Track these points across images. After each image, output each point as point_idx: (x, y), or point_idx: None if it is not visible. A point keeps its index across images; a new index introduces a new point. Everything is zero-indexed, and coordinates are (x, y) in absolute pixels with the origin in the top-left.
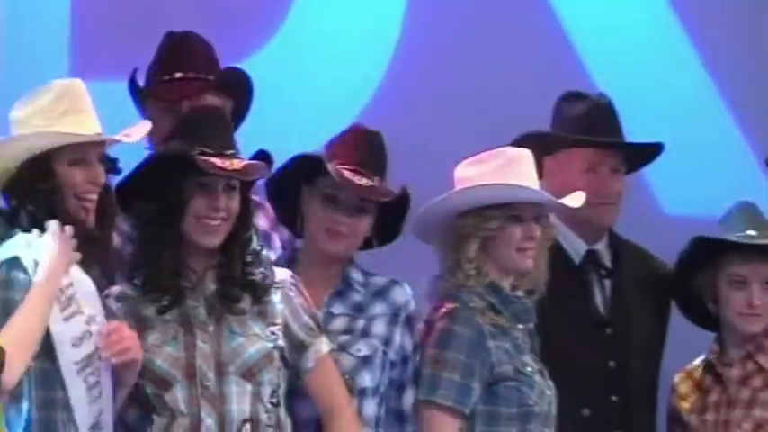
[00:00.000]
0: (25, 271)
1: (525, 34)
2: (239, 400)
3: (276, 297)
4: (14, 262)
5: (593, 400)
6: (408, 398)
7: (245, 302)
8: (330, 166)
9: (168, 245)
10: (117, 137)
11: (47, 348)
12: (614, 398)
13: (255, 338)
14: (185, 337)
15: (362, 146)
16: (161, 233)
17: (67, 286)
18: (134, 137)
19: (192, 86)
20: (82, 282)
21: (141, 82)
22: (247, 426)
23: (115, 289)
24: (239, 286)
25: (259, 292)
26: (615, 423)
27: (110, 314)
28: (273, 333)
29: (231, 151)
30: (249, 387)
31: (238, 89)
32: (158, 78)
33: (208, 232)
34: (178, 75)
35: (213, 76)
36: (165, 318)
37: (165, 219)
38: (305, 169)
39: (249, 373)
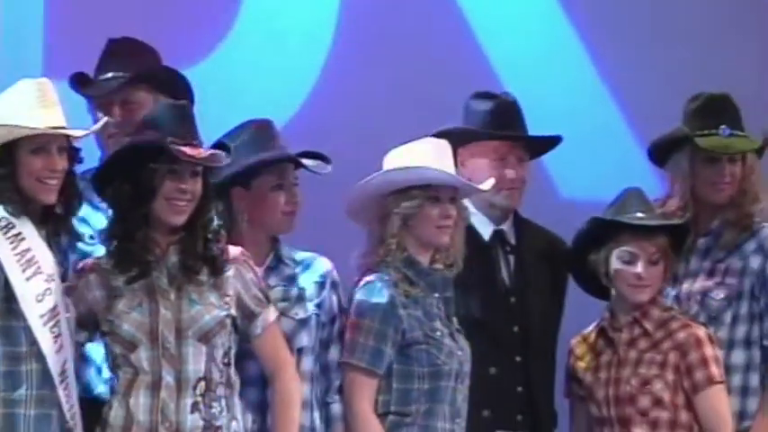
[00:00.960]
0: None
1: (440, 40)
2: (195, 361)
3: (230, 272)
4: None
5: (500, 360)
6: (333, 353)
7: (203, 275)
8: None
9: (139, 223)
10: (66, 131)
11: (9, 307)
12: (518, 358)
13: (211, 307)
14: (150, 304)
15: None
16: (133, 213)
17: (26, 250)
18: (86, 132)
19: (116, 83)
20: (40, 246)
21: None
22: (202, 383)
23: (88, 261)
24: (199, 260)
25: (217, 265)
26: (518, 380)
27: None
28: (227, 303)
29: (196, 141)
30: (204, 349)
31: (172, 86)
32: (95, 79)
33: (176, 212)
34: (110, 75)
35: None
36: (132, 287)
37: (137, 200)
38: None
39: (205, 338)
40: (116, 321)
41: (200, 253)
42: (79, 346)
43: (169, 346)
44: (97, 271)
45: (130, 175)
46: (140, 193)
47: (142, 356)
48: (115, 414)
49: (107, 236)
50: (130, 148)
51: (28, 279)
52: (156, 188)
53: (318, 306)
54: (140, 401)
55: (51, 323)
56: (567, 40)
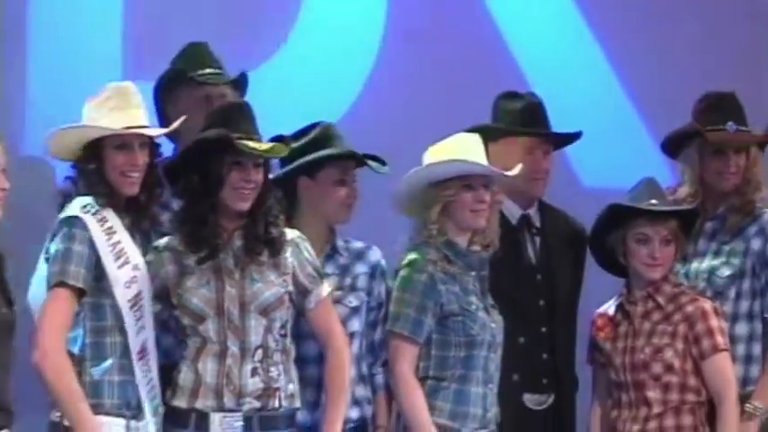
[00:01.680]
0: (84, 227)
1: (473, 43)
2: (256, 332)
3: (287, 252)
4: (73, 219)
5: (527, 330)
6: (379, 333)
7: (264, 256)
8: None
9: (208, 210)
10: (144, 131)
11: (100, 287)
12: (543, 329)
13: (271, 285)
14: (216, 282)
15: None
16: (203, 200)
17: (117, 243)
18: (161, 132)
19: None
20: (126, 237)
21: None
22: (260, 351)
23: (163, 241)
24: (261, 242)
25: (276, 247)
26: (543, 348)
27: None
28: (285, 281)
29: (257, 136)
30: (264, 322)
31: (243, 87)
32: (190, 76)
33: (241, 199)
34: (209, 71)
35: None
36: (201, 267)
37: (206, 189)
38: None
39: (265, 312)
40: (185, 296)
41: (262, 236)
42: (156, 316)
43: (233, 319)
44: (171, 250)
45: (200, 166)
46: (209, 183)
47: (209, 328)
48: (185, 377)
49: (180, 220)
50: (200, 142)
51: (119, 267)
52: (224, 178)
53: (368, 294)
54: (208, 366)
55: (136, 307)
56: (586, 43)
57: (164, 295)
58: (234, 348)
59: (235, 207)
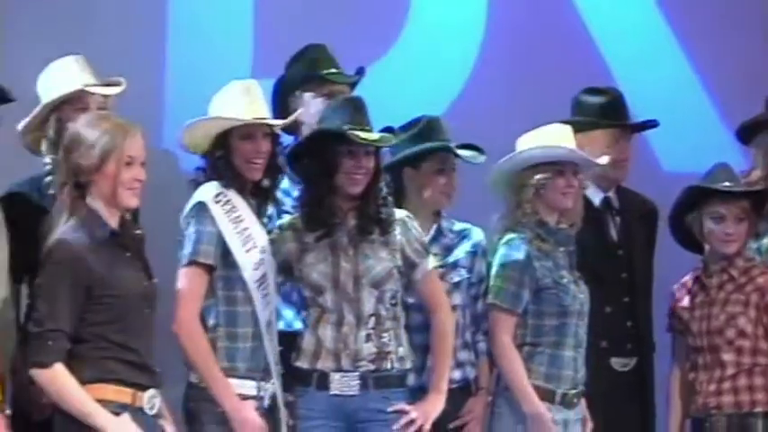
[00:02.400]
0: (212, 216)
1: (562, 39)
2: (368, 302)
3: (396, 230)
4: (203, 205)
5: (612, 300)
6: (481, 305)
7: (375, 234)
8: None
9: (325, 193)
10: (268, 121)
11: (227, 260)
12: (626, 299)
13: (381, 260)
14: (333, 258)
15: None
16: (320, 184)
17: (245, 229)
18: (283, 122)
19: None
20: (254, 222)
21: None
22: (372, 318)
23: (285, 220)
24: (372, 222)
25: (386, 226)
26: (627, 317)
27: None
28: (393, 256)
29: (369, 127)
30: (376, 293)
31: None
32: (317, 74)
33: (354, 184)
34: (334, 70)
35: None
36: (319, 244)
37: (323, 174)
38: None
39: (376, 284)
40: (306, 270)
41: (373, 216)
42: (279, 288)
43: (348, 291)
44: (292, 229)
45: (318, 154)
46: (326, 169)
47: (327, 299)
48: (307, 342)
49: (300, 202)
50: (319, 132)
51: (247, 252)
52: (338, 165)
53: (470, 271)
54: (327, 333)
55: (263, 285)
56: (664, 37)
57: (287, 270)
58: (349, 317)
59: (348, 191)
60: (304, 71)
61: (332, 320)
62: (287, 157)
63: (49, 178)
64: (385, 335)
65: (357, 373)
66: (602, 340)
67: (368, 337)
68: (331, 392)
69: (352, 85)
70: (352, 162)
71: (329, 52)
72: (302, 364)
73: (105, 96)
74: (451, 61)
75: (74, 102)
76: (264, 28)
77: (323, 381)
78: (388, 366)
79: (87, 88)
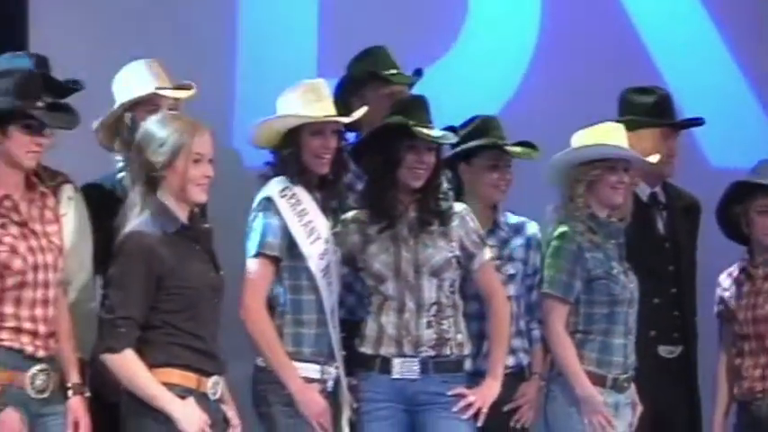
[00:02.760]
0: (277, 210)
1: (611, 40)
2: (429, 290)
3: (455, 222)
4: (270, 199)
5: (660, 292)
6: (535, 295)
7: (435, 225)
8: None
9: (388, 186)
10: (338, 119)
11: (293, 252)
12: (673, 290)
13: (441, 250)
14: (395, 248)
15: None
16: (383, 178)
17: (309, 222)
18: (351, 119)
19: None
20: (318, 215)
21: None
22: (434, 306)
23: (350, 214)
24: (432, 214)
25: (445, 218)
26: (674, 307)
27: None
28: (452, 246)
29: (431, 125)
30: (435, 282)
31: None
32: (380, 74)
33: (415, 178)
34: (394, 71)
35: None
36: (381, 235)
37: (386, 168)
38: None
39: (436, 273)
40: (369, 261)
41: (433, 209)
42: (342, 278)
43: (409, 279)
44: (356, 222)
45: (382, 149)
46: (389, 163)
47: (389, 287)
48: (370, 328)
49: (363, 195)
50: (384, 127)
51: (312, 243)
52: (401, 159)
53: (524, 263)
54: (390, 320)
55: (327, 274)
56: (712, 38)
57: (350, 260)
58: (410, 304)
59: (410, 184)
60: (367, 71)
61: (393, 307)
62: (351, 151)
63: (121, 174)
64: (445, 322)
65: (418, 359)
66: (651, 329)
67: (428, 324)
68: (393, 376)
69: (410, 86)
70: (415, 157)
71: (389, 54)
72: (365, 349)
73: (176, 99)
74: (507, 62)
75: (146, 103)
76: (328, 30)
77: (385, 365)
78: (448, 352)
79: (159, 91)
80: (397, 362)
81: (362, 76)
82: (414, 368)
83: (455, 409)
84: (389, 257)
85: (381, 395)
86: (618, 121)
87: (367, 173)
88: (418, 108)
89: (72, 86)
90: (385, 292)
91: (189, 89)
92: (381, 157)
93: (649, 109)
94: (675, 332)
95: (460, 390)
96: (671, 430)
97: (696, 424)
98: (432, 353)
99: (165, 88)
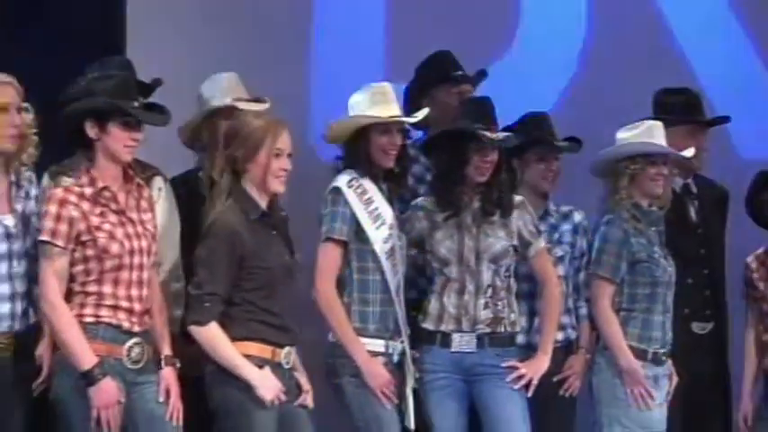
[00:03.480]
0: (345, 199)
1: (648, 42)
2: (487, 275)
3: (515, 214)
4: (338, 189)
5: (693, 273)
6: (582, 276)
7: (496, 216)
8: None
9: (455, 181)
10: (404, 119)
11: (359, 236)
12: (705, 271)
13: (500, 239)
14: (458, 236)
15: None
16: (451, 174)
17: (375, 209)
18: (415, 119)
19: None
20: (382, 202)
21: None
22: (490, 289)
23: (419, 201)
24: (494, 206)
25: (506, 210)
26: (706, 287)
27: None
28: (510, 237)
29: (494, 125)
30: (493, 267)
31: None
32: (451, 75)
33: (481, 174)
34: (460, 73)
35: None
36: (447, 223)
37: (454, 166)
38: None
39: (494, 260)
40: (435, 245)
41: (495, 201)
42: (412, 259)
43: (471, 265)
44: (424, 209)
45: (451, 148)
46: (457, 162)
47: (452, 270)
48: (432, 306)
49: (432, 187)
50: (453, 130)
51: (377, 228)
52: (469, 159)
53: (572, 246)
54: (451, 300)
55: (392, 256)
56: (740, 38)
57: (419, 243)
58: (470, 287)
59: (475, 180)
60: (436, 74)
61: (455, 289)
62: (422, 147)
63: (201, 173)
64: (499, 303)
65: (475, 334)
66: (685, 308)
67: (485, 305)
68: (452, 350)
69: (474, 86)
70: (480, 157)
71: (453, 57)
72: (428, 325)
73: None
74: (556, 64)
75: (225, 113)
76: (393, 38)
77: (445, 340)
78: (502, 329)
79: (237, 103)
80: (456, 337)
81: (432, 79)
82: (471, 343)
83: (508, 380)
84: (453, 244)
85: (441, 367)
86: (660, 119)
87: (436, 168)
88: (484, 110)
89: (155, 84)
90: (448, 275)
91: (264, 102)
92: (450, 156)
93: (680, 108)
94: (707, 310)
95: (513, 362)
96: (704, 399)
97: (727, 394)
98: (487, 330)
99: (243, 100)
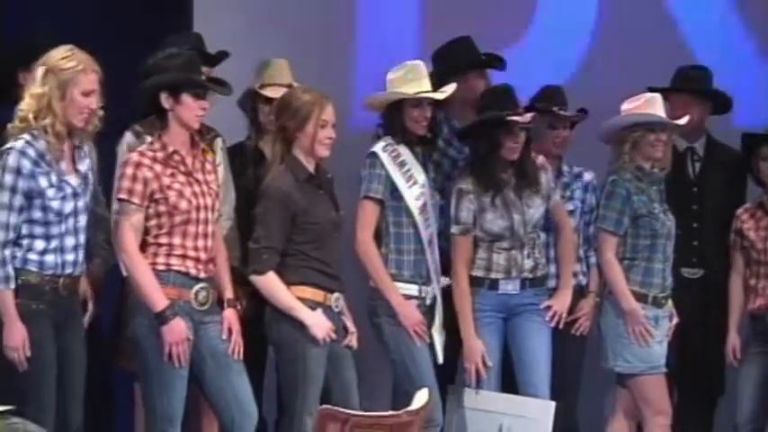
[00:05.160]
0: (381, 162)
1: (657, 33)
2: (531, 235)
3: (542, 178)
4: (375, 154)
5: (683, 226)
6: (591, 229)
7: (531, 187)
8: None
9: (493, 163)
10: (432, 94)
11: (396, 196)
12: (695, 224)
13: (539, 207)
14: (505, 212)
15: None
16: (488, 157)
17: (408, 170)
18: (445, 94)
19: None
20: (415, 164)
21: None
22: (531, 241)
23: (467, 186)
24: (528, 178)
25: (536, 180)
26: (693, 237)
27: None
28: (544, 200)
29: (520, 110)
30: (536, 229)
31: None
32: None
33: (513, 153)
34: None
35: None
36: (494, 202)
37: (490, 150)
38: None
39: (537, 225)
40: (487, 225)
41: (528, 174)
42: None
43: (520, 233)
44: (470, 193)
45: (485, 135)
46: (492, 147)
47: (504, 243)
48: (480, 257)
49: (472, 171)
50: (486, 119)
51: (410, 187)
52: (501, 143)
53: (582, 202)
54: (501, 255)
55: (424, 211)
56: (744, 36)
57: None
58: (517, 245)
59: (509, 158)
60: (466, 57)
61: (504, 246)
62: (457, 134)
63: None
64: (536, 252)
65: (519, 279)
66: (674, 253)
67: (527, 255)
68: (499, 292)
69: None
70: (511, 138)
71: (475, 47)
72: (477, 273)
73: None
74: (571, 43)
75: (274, 87)
76: (426, 21)
77: (494, 284)
78: (539, 274)
79: (261, 90)
80: (503, 282)
81: (461, 61)
82: (516, 286)
83: (547, 319)
84: (505, 221)
85: (488, 306)
86: (659, 90)
87: (473, 152)
88: (508, 97)
89: (222, 56)
90: (501, 246)
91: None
92: (485, 142)
93: (695, 81)
94: (693, 258)
95: (548, 302)
96: (694, 336)
97: (714, 330)
98: (530, 276)
99: (265, 86)
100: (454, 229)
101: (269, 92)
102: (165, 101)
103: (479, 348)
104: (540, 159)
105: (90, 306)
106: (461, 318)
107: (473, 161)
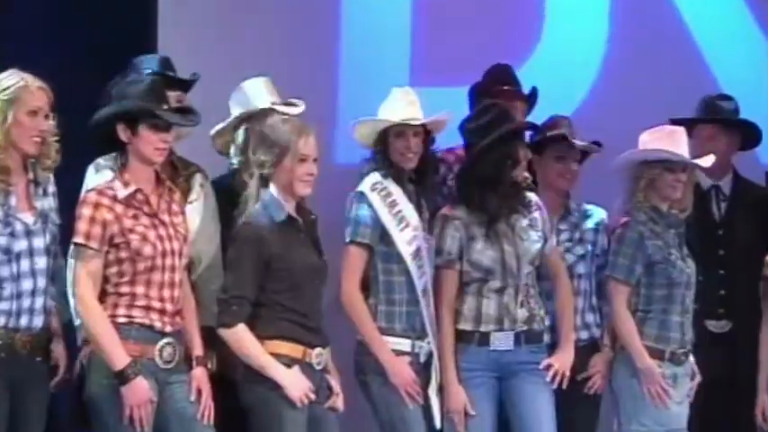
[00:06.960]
0: (369, 202)
1: (673, 49)
2: (525, 276)
3: (536, 214)
4: (361, 193)
5: (708, 273)
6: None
7: (524, 216)
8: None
9: (494, 189)
10: (412, 121)
11: (386, 240)
12: (721, 271)
13: (534, 242)
14: (495, 245)
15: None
16: (489, 181)
17: (399, 211)
18: (429, 120)
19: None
20: (407, 205)
21: None
22: (525, 287)
23: (455, 212)
24: (520, 204)
25: (529, 208)
26: (720, 286)
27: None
28: (539, 236)
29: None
30: (530, 268)
31: None
32: (497, 88)
33: (523, 171)
34: (506, 87)
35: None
36: (485, 233)
37: (500, 167)
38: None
39: (532, 261)
40: (476, 257)
41: (524, 204)
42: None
43: (513, 269)
44: (458, 219)
45: (494, 150)
46: (506, 161)
47: (496, 276)
48: (468, 308)
49: (463, 195)
50: (492, 141)
51: (401, 230)
52: (515, 163)
53: (593, 244)
54: (491, 301)
55: (417, 257)
56: (760, 45)
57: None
58: (510, 289)
59: (520, 179)
60: (492, 83)
61: (494, 290)
62: (457, 179)
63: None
64: (532, 300)
65: (513, 332)
66: (695, 303)
67: (522, 304)
68: (491, 348)
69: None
70: (525, 154)
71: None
72: (464, 326)
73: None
74: (579, 70)
75: (260, 117)
76: (418, 44)
77: (484, 339)
78: (535, 327)
79: (275, 106)
80: (495, 335)
81: (488, 86)
82: (509, 341)
83: (548, 379)
84: (496, 253)
85: (477, 365)
86: (681, 122)
87: (468, 173)
88: (521, 135)
89: (192, 79)
90: (489, 279)
91: (297, 106)
92: (494, 159)
93: (724, 112)
94: (720, 309)
95: (548, 360)
96: (720, 397)
97: (741, 391)
98: (525, 328)
99: (277, 104)
100: (437, 261)
101: (289, 109)
102: (123, 133)
103: (462, 396)
104: (534, 196)
105: (60, 372)
106: (442, 361)
107: (468, 186)
